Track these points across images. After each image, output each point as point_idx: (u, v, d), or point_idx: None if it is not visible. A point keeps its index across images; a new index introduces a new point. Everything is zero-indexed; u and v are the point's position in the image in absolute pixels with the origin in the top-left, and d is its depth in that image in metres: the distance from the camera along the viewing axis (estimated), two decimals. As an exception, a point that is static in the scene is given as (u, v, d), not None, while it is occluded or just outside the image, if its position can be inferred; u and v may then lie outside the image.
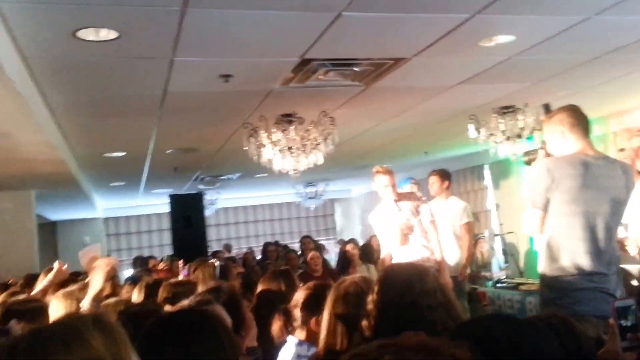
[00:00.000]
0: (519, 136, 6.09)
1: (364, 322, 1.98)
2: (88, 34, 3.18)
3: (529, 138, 6.16)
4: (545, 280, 3.07)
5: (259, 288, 3.33)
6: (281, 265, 7.95)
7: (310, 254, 7.16)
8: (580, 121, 3.10)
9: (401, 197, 5.08)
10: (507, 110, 6.09)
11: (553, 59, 4.51)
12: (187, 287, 3.10)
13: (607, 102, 6.31)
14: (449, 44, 3.88)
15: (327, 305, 2.33)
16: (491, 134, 6.17)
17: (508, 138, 6.12)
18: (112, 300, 2.86)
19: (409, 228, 5.01)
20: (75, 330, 1.22)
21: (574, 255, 2.96)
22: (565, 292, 2.94)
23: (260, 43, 3.58)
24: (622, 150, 5.77)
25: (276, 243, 11.72)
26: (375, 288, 2.01)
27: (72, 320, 1.29)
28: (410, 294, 1.91)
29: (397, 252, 5.04)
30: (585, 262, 2.94)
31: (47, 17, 2.98)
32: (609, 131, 7.03)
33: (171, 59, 3.68)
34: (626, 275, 3.95)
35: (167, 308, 2.82)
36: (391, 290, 1.96)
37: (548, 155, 3.27)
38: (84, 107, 4.78)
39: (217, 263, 5.08)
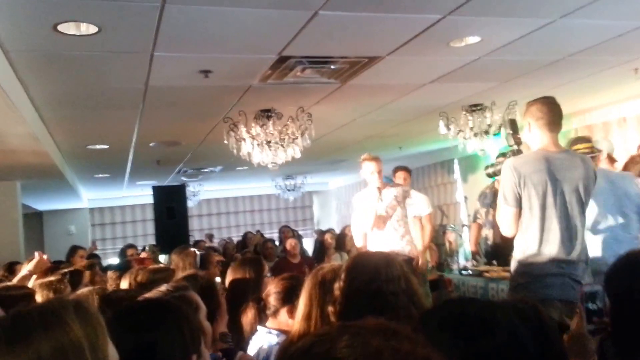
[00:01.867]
0: (487, 132, 6.12)
1: (330, 308, 1.97)
2: (69, 28, 3.08)
3: (496, 135, 6.17)
4: (516, 267, 3.12)
5: (228, 276, 3.25)
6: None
7: (289, 241, 7.16)
8: (547, 117, 3.13)
9: (387, 185, 5.07)
10: (475, 108, 6.10)
11: (519, 60, 4.50)
12: (165, 274, 3.02)
13: (570, 101, 6.33)
14: (421, 43, 3.84)
15: (304, 290, 2.30)
16: (460, 131, 6.18)
17: (476, 134, 6.14)
18: (85, 289, 2.76)
19: (384, 217, 4.99)
20: (56, 314, 1.18)
21: (544, 244, 3.04)
22: (534, 277, 3.02)
23: (238, 40, 3.51)
24: None
25: (257, 232, 11.68)
26: (343, 275, 1.99)
27: (53, 304, 1.24)
28: (375, 281, 1.91)
29: (371, 236, 5.04)
30: (554, 250, 3.02)
31: (28, 11, 2.87)
32: (571, 128, 7.09)
33: (151, 53, 3.58)
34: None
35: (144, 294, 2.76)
36: (358, 278, 1.95)
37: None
38: (66, 100, 4.66)
39: (197, 252, 5.01)
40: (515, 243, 3.19)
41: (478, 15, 3.42)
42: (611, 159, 4.76)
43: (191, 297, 2.07)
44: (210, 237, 13.06)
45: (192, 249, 5.88)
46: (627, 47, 4.35)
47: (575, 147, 3.92)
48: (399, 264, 2.03)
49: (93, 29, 3.10)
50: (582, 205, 3.11)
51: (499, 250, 5.59)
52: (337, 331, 0.84)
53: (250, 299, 3.01)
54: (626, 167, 4.36)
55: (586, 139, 4.25)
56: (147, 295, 2.13)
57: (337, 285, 1.99)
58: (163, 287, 2.19)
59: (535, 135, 3.16)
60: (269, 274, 3.39)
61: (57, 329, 1.15)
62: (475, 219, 6.33)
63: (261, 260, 3.36)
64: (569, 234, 3.05)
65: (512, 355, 1.19)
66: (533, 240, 3.07)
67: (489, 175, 4.15)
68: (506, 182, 3.11)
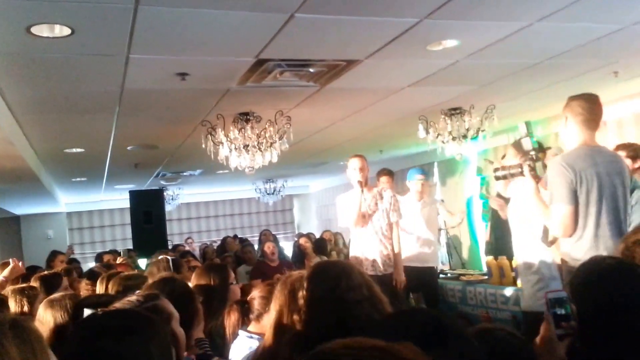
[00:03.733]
0: (465, 136, 6.13)
1: (295, 317, 1.98)
2: (42, 30, 3.03)
3: (474, 138, 6.20)
4: (574, 266, 3.02)
5: (192, 281, 3.21)
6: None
7: (267, 245, 7.14)
8: (586, 113, 3.17)
9: (369, 186, 5.09)
10: (454, 111, 6.11)
11: (497, 63, 4.52)
12: (137, 280, 2.98)
13: (550, 106, 6.38)
14: (399, 47, 3.84)
15: (274, 297, 2.30)
16: (439, 134, 6.19)
17: (454, 138, 6.15)
18: (58, 294, 2.72)
19: (366, 215, 4.97)
20: None
21: (599, 239, 3.05)
22: None
23: (214, 42, 3.47)
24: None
25: (235, 237, 11.62)
26: (305, 284, 2.00)
27: None
28: (337, 290, 1.92)
29: (353, 233, 5.06)
30: (608, 244, 3.00)
31: (0, 13, 2.81)
32: (551, 132, 7.13)
33: (127, 56, 3.54)
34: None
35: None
36: (319, 287, 1.96)
37: (533, 170, 3.36)
38: (41, 104, 4.59)
39: (168, 257, 4.95)
40: (567, 241, 3.14)
41: (455, 19, 3.42)
42: None
43: (163, 306, 2.02)
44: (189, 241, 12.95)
45: (163, 256, 5.81)
46: (606, 51, 4.38)
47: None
48: (359, 272, 2.04)
49: (66, 31, 3.05)
50: (627, 198, 3.17)
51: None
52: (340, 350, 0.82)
53: (234, 301, 2.99)
54: None
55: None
56: (117, 305, 2.08)
57: (301, 294, 2.01)
58: (133, 297, 2.14)
59: (572, 131, 3.18)
60: (234, 282, 3.35)
61: None
62: (488, 219, 6.37)
63: (226, 267, 3.31)
64: (620, 227, 3.07)
65: None
66: (588, 236, 3.06)
67: (497, 179, 4.09)
68: (560, 180, 3.07)
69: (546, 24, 3.61)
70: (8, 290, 3.30)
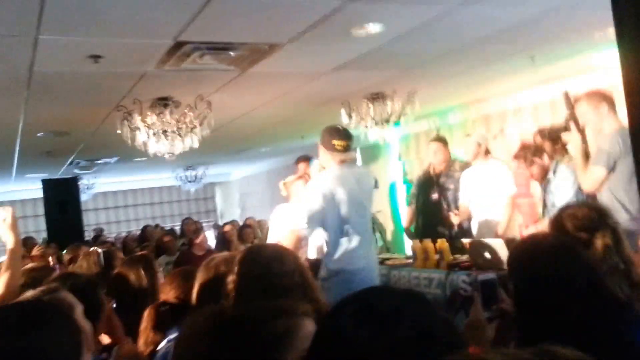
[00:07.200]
0: (387, 121, 6.19)
1: (224, 303, 1.91)
2: (-60, 7, 2.80)
3: (396, 124, 6.27)
4: None
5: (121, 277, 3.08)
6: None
7: (201, 236, 7.08)
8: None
9: None
10: (377, 96, 6.15)
11: (419, 48, 4.55)
12: (44, 272, 2.84)
13: (468, 90, 6.54)
14: (322, 30, 3.79)
15: (196, 281, 2.23)
16: (362, 119, 6.22)
17: (377, 123, 6.21)
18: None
19: None
20: None
21: None
22: None
23: (130, 23, 3.31)
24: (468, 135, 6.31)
25: (156, 226, 11.36)
26: (235, 268, 1.95)
27: None
28: (268, 276, 1.87)
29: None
30: None
31: None
32: (468, 118, 7.32)
33: (35, 37, 3.32)
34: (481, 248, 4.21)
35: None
36: (250, 272, 1.91)
37: None
38: (-61, 87, 4.27)
39: (99, 250, 4.77)
40: None
41: (377, 2, 3.41)
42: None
43: (63, 297, 1.94)
44: (97, 231, 12.31)
45: (94, 248, 5.58)
46: (524, 36, 4.44)
47: None
48: (294, 257, 2.01)
49: (-32, 9, 2.83)
50: None
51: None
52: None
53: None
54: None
55: None
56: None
57: (231, 279, 1.95)
58: (31, 293, 2.03)
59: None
60: (161, 269, 3.25)
61: None
62: (410, 202, 6.41)
63: (150, 257, 3.19)
64: None
65: (417, 346, 1.12)
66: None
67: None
68: (613, 151, 3.82)
69: (466, 8, 3.65)
70: None
